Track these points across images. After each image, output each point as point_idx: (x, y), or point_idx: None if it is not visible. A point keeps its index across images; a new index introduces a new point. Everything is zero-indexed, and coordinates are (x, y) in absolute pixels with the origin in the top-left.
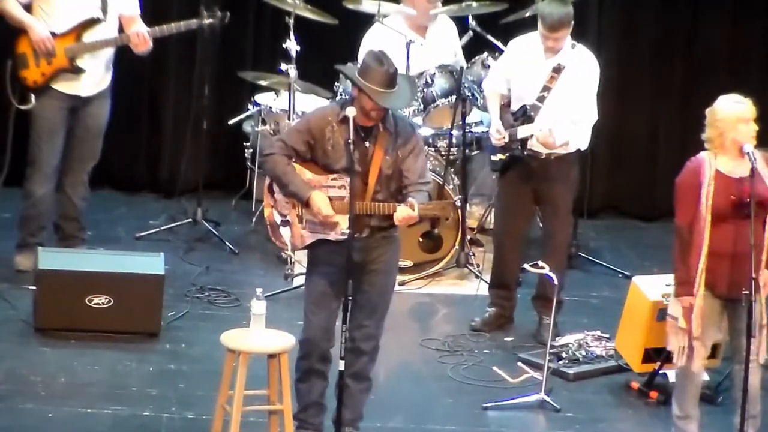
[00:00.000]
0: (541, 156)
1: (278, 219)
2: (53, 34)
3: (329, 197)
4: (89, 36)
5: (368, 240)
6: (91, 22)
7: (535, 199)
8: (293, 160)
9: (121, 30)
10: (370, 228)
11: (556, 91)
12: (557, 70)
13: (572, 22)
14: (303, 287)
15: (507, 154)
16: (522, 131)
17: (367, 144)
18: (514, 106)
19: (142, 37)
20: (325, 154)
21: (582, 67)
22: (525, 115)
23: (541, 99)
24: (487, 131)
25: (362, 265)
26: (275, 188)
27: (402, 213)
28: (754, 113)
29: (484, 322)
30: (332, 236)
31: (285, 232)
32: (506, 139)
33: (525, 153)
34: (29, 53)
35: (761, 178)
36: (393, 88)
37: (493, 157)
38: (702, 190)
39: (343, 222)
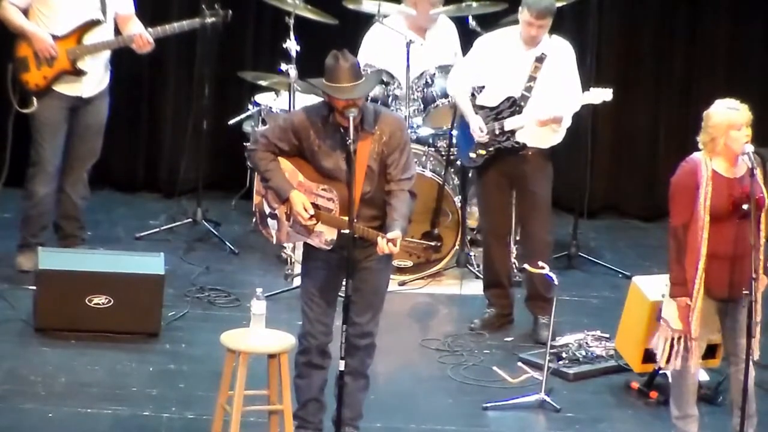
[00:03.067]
0: (524, 147)
1: (267, 209)
2: (54, 36)
3: (317, 205)
4: (90, 38)
5: (360, 239)
6: (92, 24)
7: (513, 195)
8: (277, 155)
9: (116, 29)
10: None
11: (541, 81)
12: (540, 59)
13: (554, 13)
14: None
15: (490, 149)
16: (511, 122)
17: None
18: (495, 100)
19: (145, 39)
20: (312, 154)
21: (563, 55)
22: (514, 106)
23: (528, 89)
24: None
25: (354, 262)
26: None
27: (383, 248)
28: (748, 119)
29: (483, 324)
30: (315, 243)
31: (272, 224)
32: (489, 136)
33: (514, 144)
34: (30, 56)
35: (756, 179)
36: (354, 80)
37: (472, 154)
38: (699, 190)
39: (328, 233)
